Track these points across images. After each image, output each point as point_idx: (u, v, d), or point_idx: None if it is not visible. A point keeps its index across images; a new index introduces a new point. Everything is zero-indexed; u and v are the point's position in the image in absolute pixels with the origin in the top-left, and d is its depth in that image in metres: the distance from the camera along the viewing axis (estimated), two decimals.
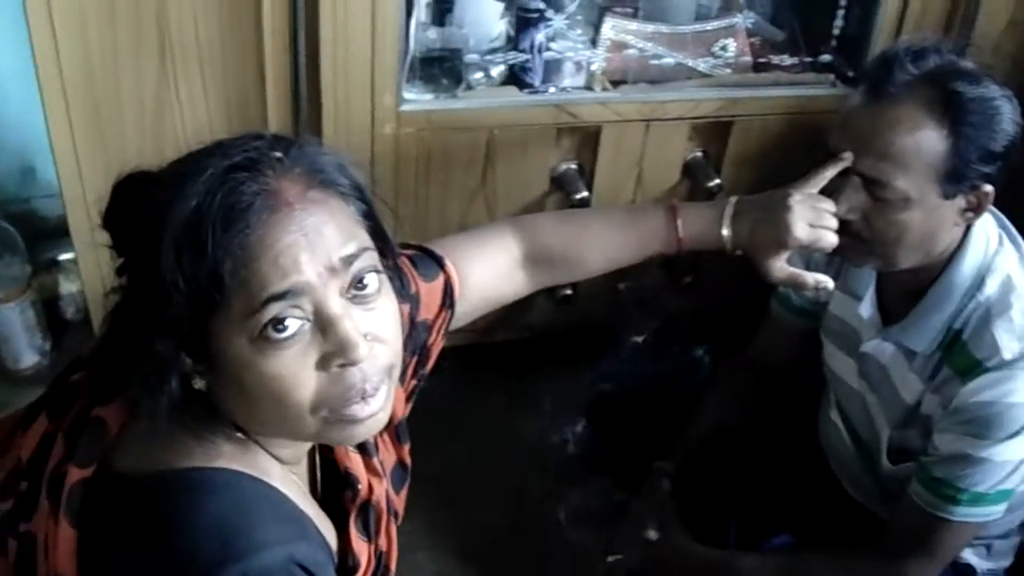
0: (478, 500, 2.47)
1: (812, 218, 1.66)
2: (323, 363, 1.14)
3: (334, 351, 1.13)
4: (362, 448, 1.43)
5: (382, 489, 1.45)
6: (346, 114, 2.15)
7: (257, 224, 1.09)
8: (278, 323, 1.10)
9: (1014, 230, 1.89)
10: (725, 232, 1.68)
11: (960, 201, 1.74)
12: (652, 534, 2.10)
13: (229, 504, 1.16)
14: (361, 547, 1.40)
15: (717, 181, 2.48)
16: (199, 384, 1.18)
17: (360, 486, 1.40)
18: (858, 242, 1.77)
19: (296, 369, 1.13)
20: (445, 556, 2.42)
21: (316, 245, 1.12)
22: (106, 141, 2.09)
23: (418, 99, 2.23)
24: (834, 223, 1.69)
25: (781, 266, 1.69)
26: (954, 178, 1.69)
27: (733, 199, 1.70)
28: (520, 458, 2.44)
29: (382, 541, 1.47)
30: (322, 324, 1.13)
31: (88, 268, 2.25)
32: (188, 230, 1.08)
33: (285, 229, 1.11)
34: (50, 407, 1.29)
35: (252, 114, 2.13)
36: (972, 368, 1.79)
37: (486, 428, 2.69)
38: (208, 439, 1.20)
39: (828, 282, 1.72)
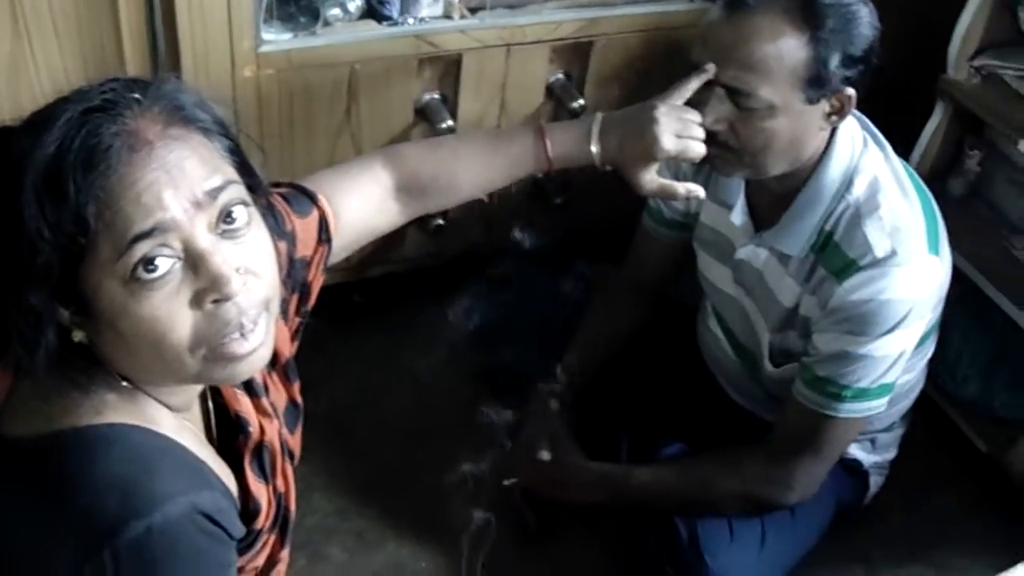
0: (370, 437, 2.47)
1: (678, 129, 1.69)
2: (197, 300, 1.13)
3: (207, 287, 1.13)
4: (250, 390, 1.43)
5: (274, 430, 1.46)
6: (205, 61, 2.10)
7: (118, 164, 1.09)
8: (148, 263, 1.10)
9: (877, 131, 1.93)
10: (594, 148, 1.70)
11: (824, 106, 1.77)
12: (544, 455, 2.13)
13: (125, 459, 1.16)
14: (260, 490, 1.41)
15: (581, 102, 2.49)
16: (78, 336, 1.16)
17: (251, 428, 1.40)
18: (727, 152, 1.79)
19: (170, 309, 1.12)
20: (343, 495, 2.42)
21: (179, 181, 1.11)
22: None
23: (277, 39, 2.19)
24: (700, 133, 1.72)
25: (651, 178, 1.72)
26: (817, 83, 1.72)
27: (599, 115, 1.72)
28: (406, 392, 2.45)
29: (279, 482, 1.47)
30: (192, 261, 1.12)
31: None
32: (48, 176, 1.07)
33: (146, 167, 1.10)
34: None
35: (110, 67, 2.06)
36: (846, 268, 1.84)
37: (370, 364, 2.69)
38: (94, 393, 1.19)
39: (698, 190, 1.75)
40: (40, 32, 1.99)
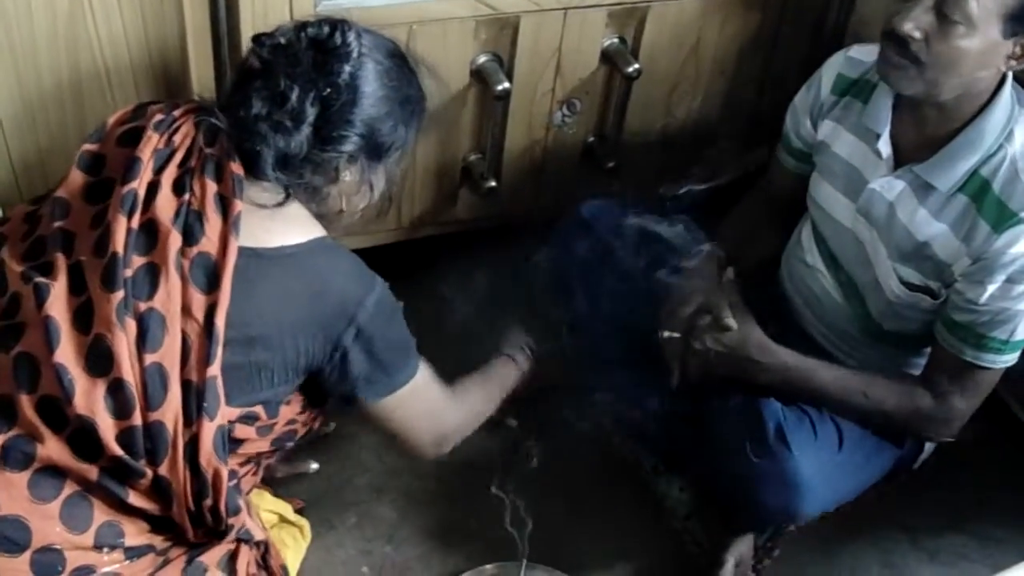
0: None
1: None
2: None
3: None
4: None
5: None
6: (264, 17, 2.10)
7: None
8: None
9: None
10: None
11: (1011, 45, 1.81)
12: (731, 322, 2.04)
13: (348, 257, 1.75)
14: None
15: (636, 66, 2.48)
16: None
17: None
18: (912, 64, 1.83)
19: None
20: (393, 454, 2.44)
21: None
22: (16, 54, 2.04)
23: None
24: None
25: None
26: (1018, 20, 1.77)
27: None
28: (456, 353, 2.45)
29: None
30: None
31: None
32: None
33: None
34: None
35: (168, 17, 2.09)
36: (1006, 219, 1.88)
37: (420, 325, 2.65)
38: (305, 219, 1.72)
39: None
40: None
